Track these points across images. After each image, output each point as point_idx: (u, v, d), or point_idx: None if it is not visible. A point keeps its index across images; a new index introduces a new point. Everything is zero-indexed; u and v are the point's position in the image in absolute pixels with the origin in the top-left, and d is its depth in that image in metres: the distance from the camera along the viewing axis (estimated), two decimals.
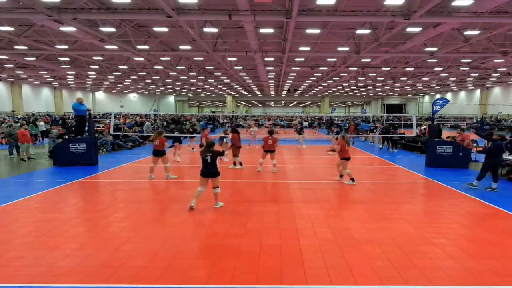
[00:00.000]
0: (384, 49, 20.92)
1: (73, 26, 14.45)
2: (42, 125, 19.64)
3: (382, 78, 37.10)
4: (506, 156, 10.03)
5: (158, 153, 9.40)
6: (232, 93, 57.75)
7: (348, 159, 8.93)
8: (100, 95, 61.72)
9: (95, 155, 11.90)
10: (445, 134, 15.96)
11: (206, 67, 31.83)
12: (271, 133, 10.74)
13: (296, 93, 57.35)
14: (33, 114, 39.56)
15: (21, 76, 36.30)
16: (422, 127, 18.52)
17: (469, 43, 17.41)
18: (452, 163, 11.36)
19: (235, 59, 26.05)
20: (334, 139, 9.60)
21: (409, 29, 15.55)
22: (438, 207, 6.94)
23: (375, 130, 22.53)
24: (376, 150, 17.37)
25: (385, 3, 11.73)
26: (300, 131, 19.32)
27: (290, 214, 6.36)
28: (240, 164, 11.39)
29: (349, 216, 6.29)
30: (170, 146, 11.43)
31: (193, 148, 16.21)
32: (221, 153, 7.01)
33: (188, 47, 20.64)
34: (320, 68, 29.39)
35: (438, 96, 54.67)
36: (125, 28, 16.31)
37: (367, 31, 16.18)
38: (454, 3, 11.59)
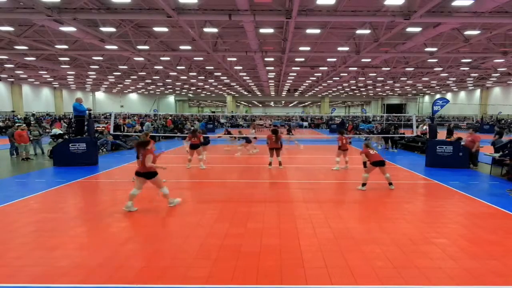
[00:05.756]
0: (384, 49, 20.92)
1: (73, 26, 14.46)
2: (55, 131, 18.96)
3: (382, 78, 37.12)
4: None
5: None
6: (232, 93, 57.77)
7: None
8: (100, 95, 61.71)
9: (95, 155, 11.89)
10: (445, 134, 15.95)
11: (206, 67, 31.84)
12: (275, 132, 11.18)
13: (296, 93, 57.35)
14: (33, 115, 39.52)
15: (21, 76, 36.31)
16: (424, 127, 18.50)
17: (469, 43, 17.42)
18: (452, 163, 11.36)
19: (235, 59, 26.05)
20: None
21: (409, 29, 15.56)
22: (438, 207, 6.93)
23: (375, 131, 22.35)
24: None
25: (385, 3, 11.74)
26: (288, 132, 19.63)
27: (290, 214, 6.35)
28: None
29: (349, 216, 6.28)
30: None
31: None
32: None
33: (188, 47, 20.64)
34: (320, 68, 29.39)
35: (438, 96, 54.67)
36: (125, 28, 16.32)
37: (367, 31, 16.18)
38: (454, 3, 11.60)
